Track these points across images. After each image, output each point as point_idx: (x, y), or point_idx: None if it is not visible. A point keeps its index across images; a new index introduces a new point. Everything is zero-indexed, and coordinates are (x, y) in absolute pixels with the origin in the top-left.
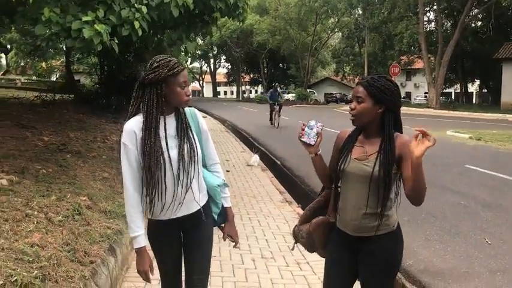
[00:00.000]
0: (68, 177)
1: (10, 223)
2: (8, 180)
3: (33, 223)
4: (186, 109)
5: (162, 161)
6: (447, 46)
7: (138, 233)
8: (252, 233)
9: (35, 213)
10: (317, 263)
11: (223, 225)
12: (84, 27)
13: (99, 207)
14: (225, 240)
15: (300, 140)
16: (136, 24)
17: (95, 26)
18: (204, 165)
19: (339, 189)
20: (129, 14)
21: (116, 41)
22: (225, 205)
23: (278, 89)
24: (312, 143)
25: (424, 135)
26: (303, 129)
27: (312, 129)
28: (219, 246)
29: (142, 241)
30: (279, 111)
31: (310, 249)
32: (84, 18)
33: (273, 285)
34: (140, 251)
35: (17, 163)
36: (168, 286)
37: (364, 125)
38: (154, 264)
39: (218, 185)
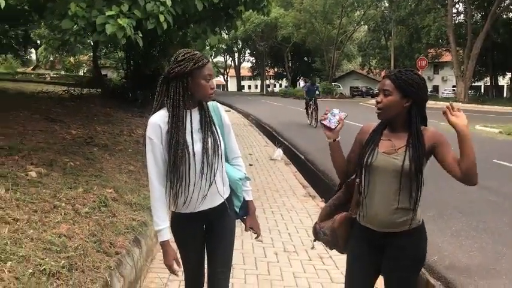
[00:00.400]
0: (95, 170)
1: (39, 214)
2: (37, 173)
3: (61, 214)
4: (209, 103)
5: (186, 155)
6: (477, 38)
7: (162, 226)
8: (275, 226)
9: (63, 204)
10: (340, 257)
11: (245, 217)
12: (108, 21)
13: (125, 200)
14: (247, 231)
15: (321, 123)
16: (161, 17)
17: (118, 20)
18: (226, 159)
19: (358, 183)
20: (153, 8)
21: (141, 35)
22: (247, 198)
23: (316, 82)
24: (333, 126)
25: (453, 109)
26: (326, 114)
27: (334, 116)
28: (242, 239)
29: (166, 235)
30: (316, 107)
31: (332, 247)
32: (108, 13)
33: (296, 279)
34: (164, 245)
35: (45, 156)
36: (191, 278)
37: (390, 118)
38: (178, 256)
39: (240, 179)
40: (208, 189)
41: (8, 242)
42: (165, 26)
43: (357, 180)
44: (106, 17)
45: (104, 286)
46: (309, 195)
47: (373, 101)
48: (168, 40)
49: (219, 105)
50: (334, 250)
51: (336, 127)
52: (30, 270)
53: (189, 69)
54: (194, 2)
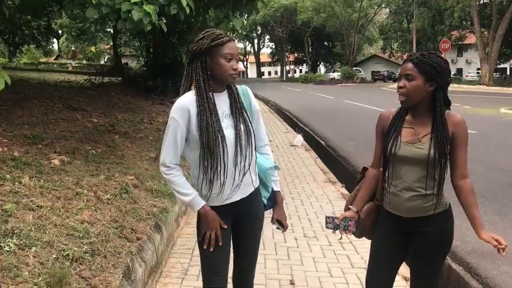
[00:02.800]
0: (116, 157)
1: (62, 201)
2: (60, 161)
3: (83, 201)
4: (239, 87)
5: (220, 138)
6: (502, 19)
7: (192, 195)
8: (295, 212)
9: (85, 191)
10: (360, 242)
11: (272, 209)
12: (133, 8)
13: (146, 186)
14: (273, 223)
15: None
16: (184, 2)
17: (144, 6)
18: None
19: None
20: None
21: (165, 21)
22: (275, 188)
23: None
24: (349, 232)
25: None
26: (334, 228)
27: (334, 222)
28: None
29: (200, 200)
30: None
31: (360, 235)
32: (133, 0)
33: (315, 264)
34: (204, 211)
35: (68, 144)
36: (211, 275)
37: (413, 104)
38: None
39: (270, 168)
40: (242, 179)
41: (33, 228)
42: (187, 10)
43: (381, 168)
44: (131, 3)
45: (126, 271)
46: (329, 181)
47: (395, 85)
48: (186, 27)
49: (248, 89)
50: (352, 236)
51: (350, 228)
52: (54, 256)
53: (206, 47)
54: None
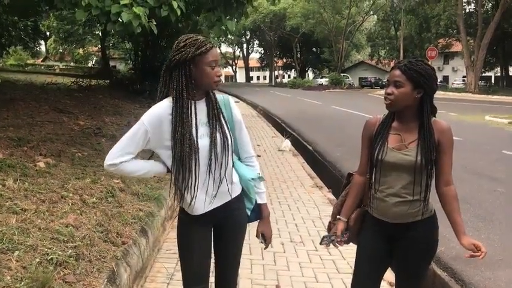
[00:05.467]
0: (102, 161)
1: (47, 204)
2: (46, 163)
3: (69, 204)
4: (219, 96)
5: (193, 151)
6: (487, 28)
7: (148, 166)
8: (282, 217)
9: (70, 195)
10: (346, 248)
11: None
12: (122, 10)
13: (132, 190)
14: (257, 237)
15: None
16: (175, 4)
17: (133, 8)
18: (238, 158)
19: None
20: None
21: (155, 23)
22: (259, 201)
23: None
24: (341, 244)
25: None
26: (327, 244)
27: (328, 238)
28: (249, 230)
29: (160, 167)
30: None
31: (347, 242)
32: (123, 2)
33: (302, 269)
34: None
35: (54, 146)
36: (193, 276)
37: (400, 110)
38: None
39: (252, 179)
40: (217, 189)
41: (16, 232)
42: (178, 12)
43: (367, 174)
44: (120, 6)
45: (111, 275)
46: (316, 186)
47: (382, 92)
48: (175, 31)
49: (230, 99)
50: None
51: (340, 239)
52: (38, 260)
53: (191, 56)
54: None
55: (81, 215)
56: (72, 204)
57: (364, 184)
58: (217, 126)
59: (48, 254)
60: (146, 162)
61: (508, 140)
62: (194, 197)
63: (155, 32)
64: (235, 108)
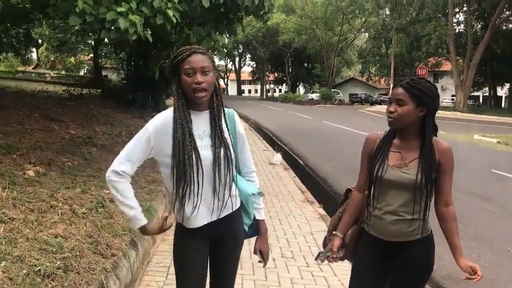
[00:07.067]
0: (93, 170)
1: (35, 214)
2: (35, 172)
3: (58, 214)
4: (226, 110)
5: (194, 159)
6: (476, 48)
7: (137, 209)
8: (273, 231)
9: (60, 204)
10: (338, 264)
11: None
12: (118, 18)
13: None
14: (255, 254)
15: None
16: (170, 12)
17: (130, 16)
18: (238, 172)
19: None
20: (161, 4)
21: (150, 32)
22: (257, 217)
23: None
24: (336, 260)
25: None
26: (322, 259)
27: (324, 254)
28: None
29: (142, 218)
30: None
31: (343, 258)
32: (119, 9)
33: (293, 285)
34: (144, 231)
35: (43, 155)
36: None
37: (402, 127)
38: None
39: (252, 194)
40: (219, 201)
41: (3, 242)
42: (174, 20)
43: (366, 191)
44: (116, 13)
45: None
46: (307, 201)
47: (372, 108)
48: (168, 42)
49: (235, 113)
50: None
51: (336, 255)
52: (25, 271)
53: (173, 66)
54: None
55: (70, 225)
56: (61, 214)
57: (362, 201)
58: (221, 139)
59: (36, 265)
60: (137, 203)
61: (497, 159)
62: (195, 208)
63: (150, 40)
64: (239, 123)
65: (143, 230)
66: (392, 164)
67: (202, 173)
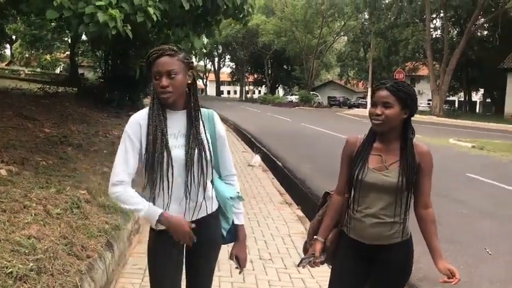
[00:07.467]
0: (68, 170)
1: (8, 214)
2: (8, 171)
3: (31, 215)
4: (204, 110)
5: (165, 157)
6: (453, 54)
7: (144, 207)
8: (251, 233)
9: (33, 205)
10: None
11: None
12: (97, 11)
13: (98, 202)
14: (231, 259)
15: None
16: (151, 10)
17: (110, 10)
18: (219, 175)
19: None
20: (141, 2)
21: (129, 28)
22: (236, 222)
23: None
24: (318, 265)
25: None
26: (304, 265)
27: (306, 259)
28: None
29: (155, 209)
30: None
31: (322, 262)
32: (98, 3)
33: (271, 287)
34: (165, 219)
35: (17, 154)
36: None
37: (386, 131)
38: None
39: (230, 198)
40: (192, 202)
41: None
42: (154, 18)
43: (346, 194)
44: (95, 7)
45: None
46: (285, 203)
47: (350, 111)
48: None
49: (215, 114)
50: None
51: (317, 260)
52: None
53: (147, 66)
54: (180, 1)
55: (44, 226)
56: (35, 214)
57: (342, 204)
58: (195, 139)
59: (7, 267)
60: (142, 200)
61: (472, 163)
62: (167, 206)
63: (130, 36)
64: (220, 124)
65: (165, 220)
66: (373, 167)
67: (173, 172)
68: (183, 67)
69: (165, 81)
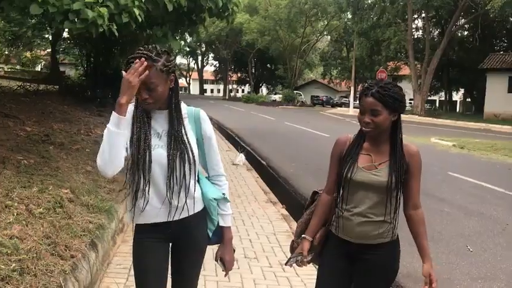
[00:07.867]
0: (50, 169)
1: None
2: None
3: (13, 215)
4: (190, 109)
5: (147, 156)
6: (434, 54)
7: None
8: (236, 232)
9: (15, 204)
10: None
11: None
12: (84, 8)
13: (82, 201)
14: (216, 261)
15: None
16: (136, 11)
17: (99, 8)
18: (207, 176)
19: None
20: (127, 2)
21: (115, 27)
22: (221, 224)
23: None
24: (305, 264)
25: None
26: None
27: (294, 258)
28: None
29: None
30: None
31: (309, 262)
32: (87, 0)
33: (256, 286)
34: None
35: None
36: None
37: (377, 134)
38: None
39: (215, 199)
40: (174, 201)
41: None
42: (139, 19)
43: (335, 193)
44: (83, 3)
45: None
46: (270, 201)
47: (333, 111)
48: (130, 40)
49: (202, 113)
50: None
51: (305, 259)
52: None
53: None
54: (164, 1)
55: (26, 226)
56: (17, 214)
57: (330, 203)
58: (177, 139)
59: None
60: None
61: (453, 161)
62: (147, 204)
63: (116, 34)
64: (206, 123)
65: (117, 103)
66: (362, 166)
67: (154, 170)
68: (163, 77)
69: (144, 94)
